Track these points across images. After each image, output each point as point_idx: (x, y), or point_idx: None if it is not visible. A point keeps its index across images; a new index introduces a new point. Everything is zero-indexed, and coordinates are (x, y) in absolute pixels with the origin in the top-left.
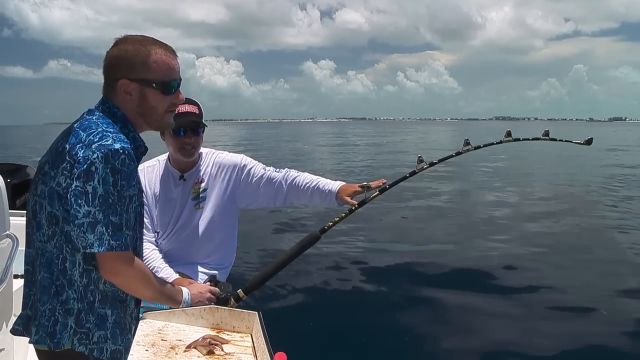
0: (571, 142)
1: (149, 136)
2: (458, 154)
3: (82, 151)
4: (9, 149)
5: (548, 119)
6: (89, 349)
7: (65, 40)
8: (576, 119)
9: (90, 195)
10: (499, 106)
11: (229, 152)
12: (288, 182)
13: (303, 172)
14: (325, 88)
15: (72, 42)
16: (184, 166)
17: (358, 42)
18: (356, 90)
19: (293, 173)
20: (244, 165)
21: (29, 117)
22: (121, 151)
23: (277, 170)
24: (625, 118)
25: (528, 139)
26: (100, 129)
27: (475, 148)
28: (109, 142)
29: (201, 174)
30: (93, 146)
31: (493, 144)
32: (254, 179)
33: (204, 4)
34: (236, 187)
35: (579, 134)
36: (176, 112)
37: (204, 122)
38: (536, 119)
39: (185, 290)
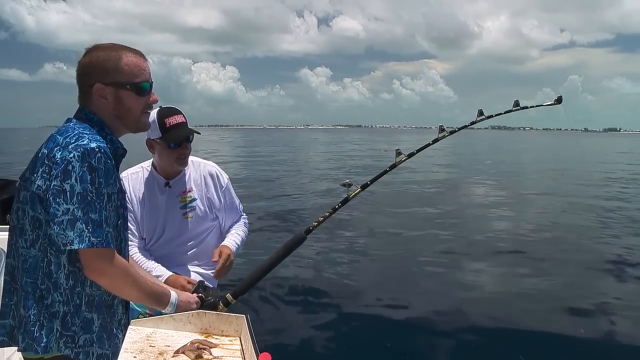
0: (542, 105)
1: (135, 141)
2: (435, 141)
3: (60, 153)
4: (4, 152)
5: (543, 129)
6: (74, 352)
7: (61, 43)
8: (571, 129)
9: (68, 193)
10: None
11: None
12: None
13: (239, 230)
14: (321, 95)
15: (68, 45)
16: (170, 173)
17: (355, 50)
18: (352, 97)
19: (235, 227)
20: (229, 192)
21: (25, 120)
22: (97, 150)
23: (239, 217)
24: (620, 129)
25: (500, 114)
26: (76, 132)
27: (451, 133)
28: (84, 142)
29: (188, 182)
30: (70, 147)
31: (467, 126)
32: (231, 207)
33: (201, 9)
34: (219, 203)
35: (576, 144)
36: (167, 125)
37: (193, 129)
38: (532, 128)
39: (173, 293)
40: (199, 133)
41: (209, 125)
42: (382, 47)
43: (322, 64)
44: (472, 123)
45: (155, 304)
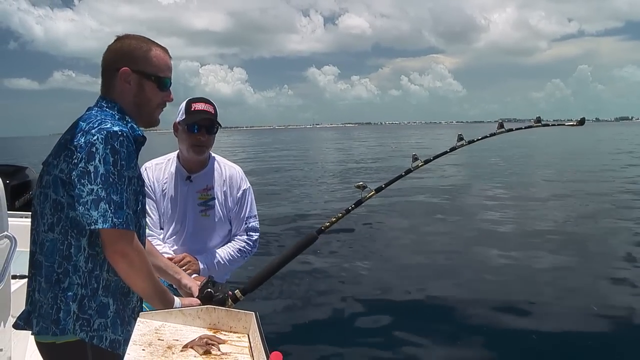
0: (564, 124)
1: (163, 136)
2: (452, 149)
3: (84, 137)
4: (18, 160)
5: (554, 120)
6: (89, 336)
7: (69, 51)
8: None
9: (92, 174)
10: (504, 108)
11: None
12: (233, 239)
13: (231, 249)
14: (330, 93)
15: (76, 53)
16: (192, 166)
17: (362, 47)
18: (360, 95)
19: (231, 244)
20: (243, 201)
21: (35, 128)
22: (120, 133)
23: (244, 232)
24: (632, 117)
25: (521, 128)
26: (99, 118)
27: (469, 142)
28: (108, 126)
29: (210, 181)
30: (93, 130)
31: (486, 137)
32: (240, 216)
33: (207, 12)
34: (232, 208)
35: (587, 134)
36: (192, 109)
37: (218, 122)
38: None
39: (177, 300)
40: (221, 125)
41: None
42: (389, 43)
43: (330, 62)
44: (492, 134)
45: (160, 304)
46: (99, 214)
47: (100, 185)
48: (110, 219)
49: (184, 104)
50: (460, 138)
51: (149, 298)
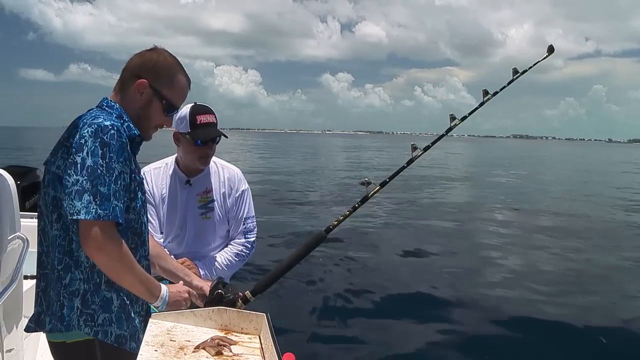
0: (538, 61)
1: (162, 139)
2: (448, 130)
3: (78, 133)
4: (29, 150)
5: (566, 139)
6: (94, 331)
7: (87, 45)
8: (595, 140)
9: (78, 165)
10: (516, 124)
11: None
12: (230, 243)
13: (229, 254)
14: (343, 100)
15: (93, 47)
16: (191, 170)
17: (377, 56)
18: (373, 103)
19: (228, 249)
20: (241, 202)
21: (49, 119)
22: (110, 127)
23: (241, 235)
24: None
25: (505, 87)
26: (94, 115)
27: (462, 119)
28: (99, 120)
29: (209, 183)
30: (85, 126)
31: (477, 108)
32: (238, 216)
33: (225, 13)
34: (230, 210)
35: (600, 155)
36: (197, 121)
37: (221, 131)
38: (554, 138)
39: (164, 287)
40: (227, 137)
41: (230, 129)
42: (404, 53)
43: (344, 69)
44: (481, 104)
45: (147, 294)
46: (82, 205)
47: (86, 177)
48: (94, 210)
49: (186, 114)
50: (453, 117)
51: (134, 290)
